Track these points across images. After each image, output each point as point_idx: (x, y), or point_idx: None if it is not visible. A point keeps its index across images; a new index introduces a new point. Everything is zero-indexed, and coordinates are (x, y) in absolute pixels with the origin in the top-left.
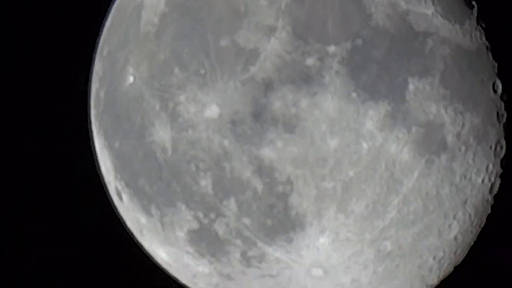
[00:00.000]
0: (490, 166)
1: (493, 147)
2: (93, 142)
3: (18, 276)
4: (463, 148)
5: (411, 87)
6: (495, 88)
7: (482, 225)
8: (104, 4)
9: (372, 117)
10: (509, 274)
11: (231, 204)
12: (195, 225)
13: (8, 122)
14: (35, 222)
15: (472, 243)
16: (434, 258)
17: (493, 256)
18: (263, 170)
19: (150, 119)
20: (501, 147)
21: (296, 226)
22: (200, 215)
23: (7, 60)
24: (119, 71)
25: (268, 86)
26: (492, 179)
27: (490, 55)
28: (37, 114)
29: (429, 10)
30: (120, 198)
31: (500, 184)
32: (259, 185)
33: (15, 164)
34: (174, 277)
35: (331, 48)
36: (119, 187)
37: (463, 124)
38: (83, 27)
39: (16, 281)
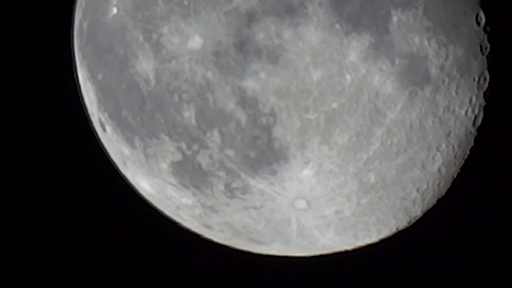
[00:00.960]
0: (474, 98)
1: (477, 79)
2: (76, 74)
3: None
4: (446, 80)
5: (394, 18)
6: (478, 20)
7: (466, 157)
8: None
9: (355, 48)
10: (491, 206)
11: (215, 136)
12: (178, 156)
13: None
14: (19, 151)
15: (455, 176)
16: (417, 190)
17: (476, 189)
18: (246, 101)
19: (133, 50)
20: (485, 79)
21: (280, 158)
22: (183, 146)
23: None
24: (103, 2)
25: (251, 17)
26: (476, 111)
27: None
28: (24, 50)
29: None
30: (104, 129)
31: (483, 117)
32: (242, 117)
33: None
34: (158, 209)
35: None
36: (103, 119)
37: (447, 56)
38: None
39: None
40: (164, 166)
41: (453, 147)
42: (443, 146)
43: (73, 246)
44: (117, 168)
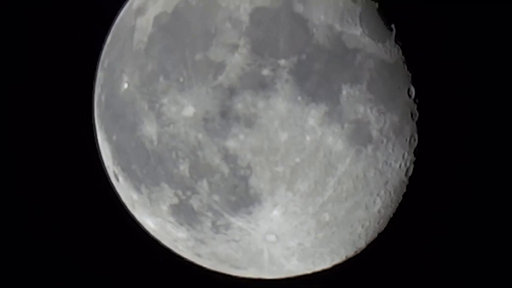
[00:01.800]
0: (406, 155)
1: (408, 139)
2: (96, 135)
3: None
4: (384, 140)
5: (344, 92)
6: (410, 93)
7: (400, 201)
8: (106, 25)
9: (313, 115)
10: (419, 238)
11: (204, 184)
12: (175, 200)
13: (31, 122)
14: (49, 198)
15: (391, 215)
16: (362, 226)
17: (408, 225)
18: (228, 157)
19: (140, 117)
20: (414, 139)
21: (255, 201)
22: (179, 192)
23: (29, 73)
24: (116, 79)
25: (232, 91)
26: (408, 165)
27: (406, 67)
28: (54, 115)
29: (358, 32)
30: (117, 179)
31: (414, 169)
32: (225, 169)
33: (35, 153)
34: (159, 241)
35: (282, 61)
36: (116, 171)
37: (385, 122)
38: (89, 44)
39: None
40: (164, 208)
41: (390, 193)
42: (382, 192)
43: (91, 267)
44: (128, 209)
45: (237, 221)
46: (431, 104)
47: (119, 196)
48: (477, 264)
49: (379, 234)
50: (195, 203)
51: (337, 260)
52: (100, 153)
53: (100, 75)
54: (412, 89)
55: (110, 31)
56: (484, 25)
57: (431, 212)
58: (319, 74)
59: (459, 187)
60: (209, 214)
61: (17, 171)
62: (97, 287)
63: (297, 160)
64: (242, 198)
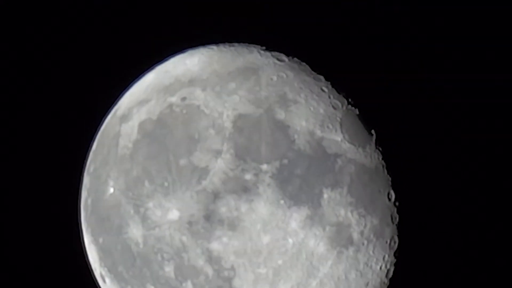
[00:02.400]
0: (386, 257)
1: (388, 241)
2: (82, 238)
3: None
4: (365, 242)
5: (325, 195)
6: (389, 196)
7: None
8: (90, 132)
9: (295, 218)
10: None
11: (188, 285)
12: None
13: (18, 225)
14: None
15: None
16: None
17: None
18: (212, 259)
19: (126, 220)
20: (395, 242)
21: None
22: None
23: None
24: (102, 184)
25: (216, 195)
26: (388, 266)
27: (386, 171)
28: (43, 221)
29: (339, 137)
30: (104, 281)
31: (394, 270)
32: (209, 271)
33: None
34: None
35: (264, 166)
36: (103, 273)
37: (365, 224)
38: (74, 150)
39: None
40: None
41: None
42: None
43: None
44: None
45: None
46: (410, 208)
47: None
48: None
49: None
50: None
51: None
52: (86, 255)
53: (86, 180)
54: (392, 193)
55: (95, 137)
56: (459, 122)
57: None
58: (300, 178)
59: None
60: None
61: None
62: None
63: (280, 262)
64: None
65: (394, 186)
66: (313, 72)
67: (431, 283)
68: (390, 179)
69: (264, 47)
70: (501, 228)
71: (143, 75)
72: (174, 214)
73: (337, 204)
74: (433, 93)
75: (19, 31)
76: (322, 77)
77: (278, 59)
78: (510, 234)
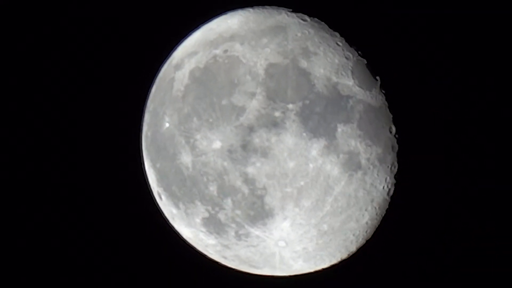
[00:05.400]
0: (388, 178)
1: (390, 166)
2: (143, 164)
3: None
4: (371, 167)
5: (339, 129)
6: (391, 130)
7: (383, 215)
8: (150, 78)
9: (315, 148)
10: (400, 244)
11: (229, 202)
12: (206, 214)
13: (92, 155)
14: (105, 213)
15: (377, 226)
16: (353, 235)
17: (390, 234)
18: (248, 180)
19: (179, 149)
20: (395, 167)
21: (269, 215)
22: (209, 208)
23: (89, 114)
24: (159, 119)
25: (251, 129)
26: (389, 186)
27: (388, 110)
28: (111, 149)
29: (350, 82)
30: (160, 198)
31: (394, 190)
32: (245, 190)
33: (96, 180)
34: (193, 247)
35: (290, 106)
36: (160, 191)
37: (371, 153)
38: (137, 92)
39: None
40: (198, 220)
41: (375, 208)
42: (369, 208)
43: (138, 269)
44: (168, 222)
45: (255, 231)
46: (409, 139)
47: (161, 211)
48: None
49: (367, 241)
50: (222, 216)
51: (334, 261)
52: (146, 177)
53: (146, 116)
54: (393, 127)
55: (154, 82)
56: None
57: (409, 223)
58: (319, 115)
59: (433, 205)
60: (233, 225)
61: (77, 195)
62: (144, 281)
63: (302, 183)
64: (259, 213)
65: (394, 122)
66: (330, 29)
67: (426, 201)
68: (391, 116)
69: (290, 10)
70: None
71: (193, 32)
72: (217, 144)
73: (348, 136)
74: (428, 46)
75: None
76: (337, 34)
77: (301, 19)
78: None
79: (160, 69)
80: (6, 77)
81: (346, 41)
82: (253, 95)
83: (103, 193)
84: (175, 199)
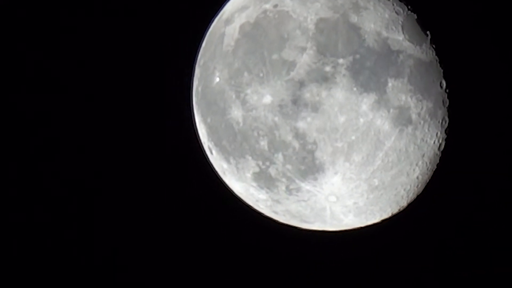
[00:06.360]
0: (439, 133)
1: (440, 121)
2: (194, 118)
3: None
4: (421, 122)
5: (389, 84)
6: (441, 85)
7: (434, 170)
8: (201, 32)
9: (365, 102)
10: (451, 201)
11: (279, 157)
12: (257, 169)
13: (140, 110)
14: (159, 167)
15: (427, 181)
16: (404, 190)
17: (441, 189)
18: (299, 135)
19: (229, 104)
20: (445, 122)
21: (319, 170)
22: (260, 163)
23: (139, 67)
24: (210, 74)
25: (301, 84)
26: (440, 141)
27: (438, 65)
28: (162, 103)
29: (400, 37)
30: (211, 152)
31: (445, 144)
32: (296, 145)
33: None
34: (244, 202)
35: (340, 60)
36: (210, 146)
37: (422, 107)
38: (189, 46)
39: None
40: (248, 175)
41: (426, 163)
42: (420, 162)
43: (190, 222)
44: (219, 176)
45: (305, 185)
46: (459, 93)
47: (212, 166)
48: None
49: (418, 196)
50: (272, 171)
51: (385, 216)
52: (197, 131)
53: (197, 71)
54: (444, 82)
55: (204, 37)
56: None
57: (457, 179)
58: (370, 70)
59: (483, 160)
60: (284, 180)
61: (132, 150)
62: (195, 234)
63: (353, 137)
64: (310, 167)
65: (445, 77)
66: None
67: (476, 157)
68: (442, 71)
69: None
70: None
71: None
72: (267, 99)
73: (399, 91)
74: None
75: None
76: None
77: None
78: None
79: (211, 24)
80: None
81: None
82: (303, 49)
83: (155, 147)
84: (225, 153)
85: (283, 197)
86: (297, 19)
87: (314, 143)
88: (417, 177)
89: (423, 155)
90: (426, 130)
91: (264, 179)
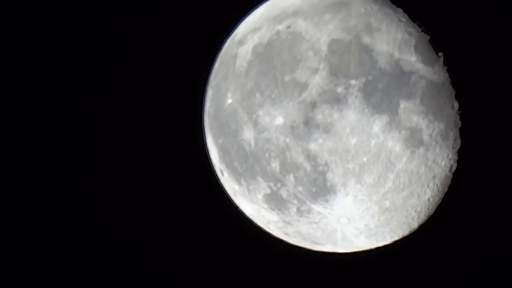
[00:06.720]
0: (450, 155)
1: (452, 143)
2: (205, 140)
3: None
4: (433, 143)
5: (401, 105)
6: (453, 106)
7: (445, 192)
8: (213, 53)
9: (377, 124)
10: (462, 221)
11: (291, 178)
12: (268, 191)
13: (156, 132)
14: (170, 188)
15: (439, 203)
16: (415, 211)
17: (453, 211)
18: (310, 157)
19: (241, 125)
20: (457, 143)
21: (331, 191)
22: (271, 184)
23: (149, 91)
24: (222, 95)
25: (313, 105)
26: (451, 163)
27: (451, 86)
28: (173, 125)
29: (413, 58)
30: (222, 174)
31: (456, 166)
32: (308, 166)
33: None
34: (255, 223)
35: (353, 81)
36: (222, 167)
37: (433, 129)
38: (201, 67)
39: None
40: (260, 197)
41: (437, 185)
42: (431, 184)
43: (201, 242)
44: (231, 198)
45: (316, 207)
46: (470, 116)
47: (223, 187)
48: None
49: (429, 218)
50: (284, 193)
51: (396, 237)
52: (208, 153)
53: (209, 92)
54: (456, 103)
55: (217, 57)
56: None
57: (472, 200)
58: (382, 92)
59: (495, 182)
60: (295, 201)
61: (142, 168)
62: (206, 257)
63: (364, 159)
64: (321, 189)
65: (457, 98)
66: (393, 5)
67: (488, 178)
68: (454, 92)
69: None
70: None
71: (256, 8)
72: (279, 120)
73: (411, 112)
74: (493, 21)
75: None
76: (400, 10)
77: None
78: None
79: (223, 45)
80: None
81: (409, 16)
82: (316, 71)
83: (166, 169)
84: (237, 175)
85: (294, 218)
86: (309, 40)
87: (326, 164)
88: (428, 199)
89: (434, 177)
90: (438, 152)
91: (275, 201)
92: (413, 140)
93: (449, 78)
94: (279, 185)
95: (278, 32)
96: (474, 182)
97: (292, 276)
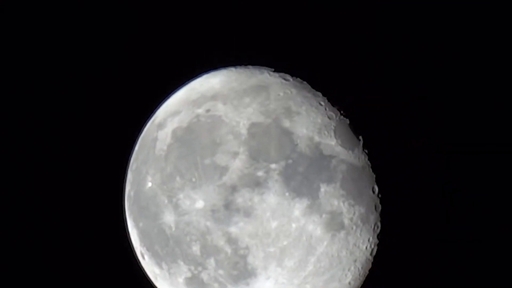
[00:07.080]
0: (371, 238)
1: (373, 226)
2: (126, 223)
3: None
4: (354, 227)
5: (322, 189)
6: (374, 190)
7: (366, 275)
8: (133, 137)
9: (298, 208)
10: None
11: (211, 262)
12: (189, 274)
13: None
14: (91, 273)
15: (360, 286)
16: None
17: None
18: (231, 240)
19: (161, 208)
20: (378, 227)
21: (251, 275)
22: (192, 268)
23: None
24: (142, 179)
25: (234, 189)
26: (372, 246)
27: (370, 170)
28: (93, 209)
29: (333, 142)
30: (143, 258)
31: (377, 249)
32: (228, 250)
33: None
34: None
35: (273, 165)
36: (142, 251)
37: (354, 212)
38: (121, 151)
39: None
40: (180, 280)
41: (358, 269)
42: (352, 268)
43: None
44: (151, 281)
45: None
46: (390, 200)
47: (144, 270)
48: None
49: None
50: (205, 276)
51: None
52: (129, 236)
53: (129, 176)
54: (376, 187)
55: (137, 141)
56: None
57: (392, 283)
58: (302, 175)
59: (416, 264)
60: (216, 285)
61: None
62: None
63: (285, 242)
64: (242, 272)
65: (377, 182)
66: (312, 89)
67: (409, 261)
68: (374, 176)
69: (272, 69)
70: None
71: (175, 92)
72: (200, 204)
73: (331, 196)
74: (410, 105)
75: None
76: (319, 93)
77: (284, 79)
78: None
79: (143, 128)
80: None
81: (328, 100)
82: (236, 154)
83: (86, 252)
84: (158, 258)
85: None
86: (229, 124)
87: (247, 248)
88: (349, 283)
89: (355, 260)
90: (359, 235)
91: (196, 284)
92: (334, 224)
93: (369, 162)
94: (200, 268)
95: (197, 116)
96: (394, 265)
97: None
